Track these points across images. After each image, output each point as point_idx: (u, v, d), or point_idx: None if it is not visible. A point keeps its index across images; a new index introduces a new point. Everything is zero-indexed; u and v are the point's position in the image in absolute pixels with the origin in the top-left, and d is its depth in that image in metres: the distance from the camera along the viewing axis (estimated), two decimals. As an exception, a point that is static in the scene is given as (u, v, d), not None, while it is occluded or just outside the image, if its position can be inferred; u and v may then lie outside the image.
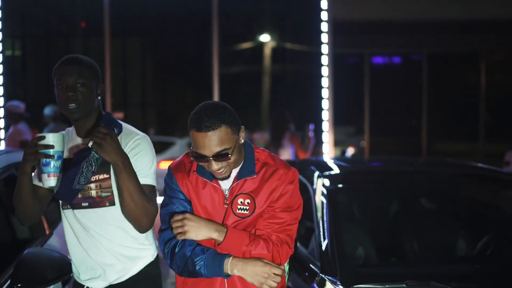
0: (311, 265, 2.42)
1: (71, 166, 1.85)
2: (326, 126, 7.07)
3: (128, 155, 1.87)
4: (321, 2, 6.91)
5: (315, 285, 2.25)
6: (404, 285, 2.05)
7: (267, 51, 7.43)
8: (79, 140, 1.99)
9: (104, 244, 1.96)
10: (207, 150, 1.70)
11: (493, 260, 2.54)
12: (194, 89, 7.82)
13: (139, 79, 7.58)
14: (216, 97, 7.07)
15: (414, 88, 10.30)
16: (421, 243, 2.81)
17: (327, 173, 2.97)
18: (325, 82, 7.02)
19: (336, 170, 3.12)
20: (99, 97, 1.97)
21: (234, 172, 1.81)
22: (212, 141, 1.69)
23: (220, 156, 1.71)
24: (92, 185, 1.94)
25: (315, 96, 7.06)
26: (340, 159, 4.17)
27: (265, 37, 7.50)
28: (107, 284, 1.98)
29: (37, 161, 1.78)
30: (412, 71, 10.40)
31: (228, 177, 1.80)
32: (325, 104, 7.03)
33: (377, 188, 3.08)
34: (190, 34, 7.39)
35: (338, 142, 9.47)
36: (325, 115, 7.06)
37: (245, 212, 1.80)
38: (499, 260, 2.54)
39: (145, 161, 1.93)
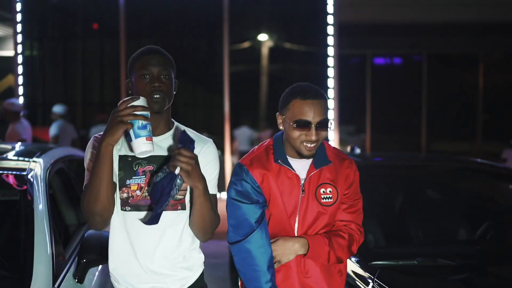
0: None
1: (156, 191, 1.70)
2: (332, 124, 7.38)
3: (200, 162, 1.78)
4: (327, 6, 7.22)
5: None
6: (415, 262, 2.37)
7: (272, 51, 7.73)
8: None
9: (167, 251, 1.84)
10: (312, 117, 1.78)
11: (492, 243, 2.85)
12: (204, 88, 8.10)
13: (153, 80, 7.83)
14: (226, 96, 7.37)
15: (414, 88, 10.56)
16: (426, 230, 3.10)
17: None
18: (331, 82, 7.34)
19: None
20: (174, 93, 1.87)
21: (309, 161, 1.88)
22: (318, 108, 1.79)
23: (322, 125, 1.80)
24: None
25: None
26: (351, 155, 4.48)
27: (270, 38, 7.80)
28: None
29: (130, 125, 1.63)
30: (413, 71, 10.64)
31: (313, 155, 1.86)
32: (331, 103, 7.35)
33: (384, 180, 3.39)
34: (201, 36, 7.67)
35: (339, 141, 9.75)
36: (331, 114, 7.38)
37: (330, 200, 1.89)
38: (497, 243, 2.86)
39: (215, 170, 1.88)
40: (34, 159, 2.66)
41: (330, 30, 7.27)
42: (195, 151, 1.72)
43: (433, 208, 3.37)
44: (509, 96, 10.94)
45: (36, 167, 2.56)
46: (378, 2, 9.19)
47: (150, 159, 1.82)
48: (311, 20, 7.47)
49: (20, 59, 7.26)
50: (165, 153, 1.84)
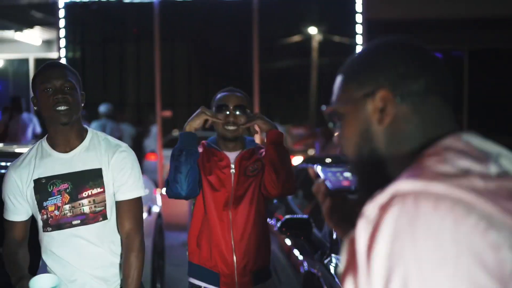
0: (323, 246, 2.87)
1: None
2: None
3: (120, 171, 1.88)
4: (356, 5, 7.23)
5: (326, 261, 2.70)
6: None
7: (302, 48, 7.84)
8: (56, 155, 1.89)
9: (94, 267, 1.87)
10: (229, 102, 2.18)
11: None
12: (236, 86, 8.30)
13: (186, 80, 8.12)
14: (256, 94, 7.53)
15: (455, 84, 10.28)
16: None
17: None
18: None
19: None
20: (82, 104, 1.90)
21: (238, 153, 2.24)
22: (234, 98, 2.22)
23: (237, 109, 2.18)
24: (85, 201, 1.85)
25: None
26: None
27: (313, 30, 7.89)
28: None
29: None
30: (453, 67, 10.37)
31: (235, 138, 2.25)
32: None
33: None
34: (232, 37, 7.86)
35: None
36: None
37: (256, 171, 2.30)
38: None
39: (138, 172, 1.95)
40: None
41: (359, 28, 7.29)
42: (108, 155, 1.88)
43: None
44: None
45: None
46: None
47: (65, 177, 1.85)
48: (340, 19, 7.52)
49: (63, 62, 7.72)
50: (79, 168, 1.86)
